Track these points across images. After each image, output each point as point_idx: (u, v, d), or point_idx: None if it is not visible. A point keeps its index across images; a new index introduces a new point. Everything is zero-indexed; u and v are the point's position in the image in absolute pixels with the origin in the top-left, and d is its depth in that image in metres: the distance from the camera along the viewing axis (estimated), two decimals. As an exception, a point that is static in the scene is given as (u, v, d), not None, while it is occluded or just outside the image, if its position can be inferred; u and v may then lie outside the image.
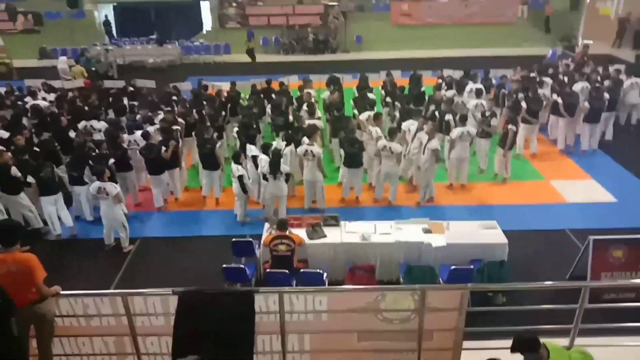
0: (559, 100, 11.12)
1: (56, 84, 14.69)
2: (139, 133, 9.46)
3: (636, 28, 19.26)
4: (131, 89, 13.53)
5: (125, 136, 9.56)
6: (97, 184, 7.79)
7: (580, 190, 9.72)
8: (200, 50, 21.72)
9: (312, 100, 11.46)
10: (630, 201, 9.23)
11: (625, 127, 12.60)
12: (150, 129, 9.74)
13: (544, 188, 9.90)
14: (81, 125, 10.32)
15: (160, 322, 4.51)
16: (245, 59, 20.79)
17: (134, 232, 8.37)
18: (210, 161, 9.22)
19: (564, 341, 4.84)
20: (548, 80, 12.50)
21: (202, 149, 9.28)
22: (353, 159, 9.12)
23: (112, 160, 8.63)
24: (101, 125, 10.36)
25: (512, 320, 4.85)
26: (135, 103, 12.12)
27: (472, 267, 6.51)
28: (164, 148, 8.97)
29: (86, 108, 11.43)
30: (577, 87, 11.73)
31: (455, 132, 9.36)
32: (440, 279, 6.58)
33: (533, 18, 21.41)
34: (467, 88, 11.95)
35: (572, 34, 21.62)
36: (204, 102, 11.63)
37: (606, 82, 12.12)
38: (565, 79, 12.43)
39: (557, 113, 11.27)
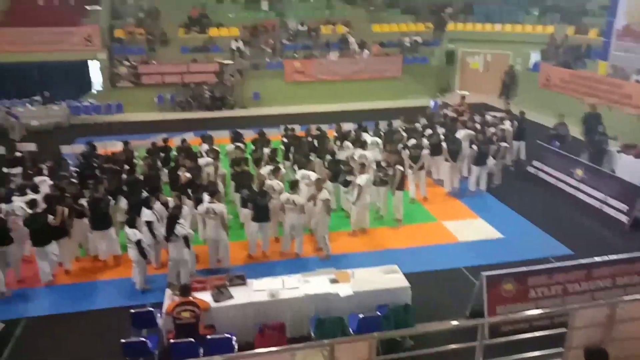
0: (444, 145, 12.02)
1: None
2: (17, 202, 8.70)
3: (503, 80, 21.92)
4: (18, 153, 12.50)
5: (3, 206, 8.73)
6: None
7: (470, 229, 10.44)
8: (90, 111, 20.75)
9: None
10: (515, 236, 10.08)
11: (504, 169, 13.78)
12: (38, 197, 8.97)
13: (437, 229, 10.50)
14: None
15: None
16: (141, 117, 20.20)
17: (17, 313, 7.52)
18: (103, 220, 8.94)
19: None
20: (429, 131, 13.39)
21: (95, 208, 8.88)
22: (264, 213, 9.06)
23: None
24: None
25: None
26: (15, 170, 11.23)
27: (379, 313, 6.65)
28: (50, 217, 8.30)
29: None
30: (460, 134, 12.77)
31: (364, 178, 9.76)
32: (350, 329, 6.62)
33: (414, 73, 23.33)
34: (367, 140, 12.57)
35: (449, 86, 23.85)
36: (94, 165, 11.05)
37: (492, 129, 13.20)
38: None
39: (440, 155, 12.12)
